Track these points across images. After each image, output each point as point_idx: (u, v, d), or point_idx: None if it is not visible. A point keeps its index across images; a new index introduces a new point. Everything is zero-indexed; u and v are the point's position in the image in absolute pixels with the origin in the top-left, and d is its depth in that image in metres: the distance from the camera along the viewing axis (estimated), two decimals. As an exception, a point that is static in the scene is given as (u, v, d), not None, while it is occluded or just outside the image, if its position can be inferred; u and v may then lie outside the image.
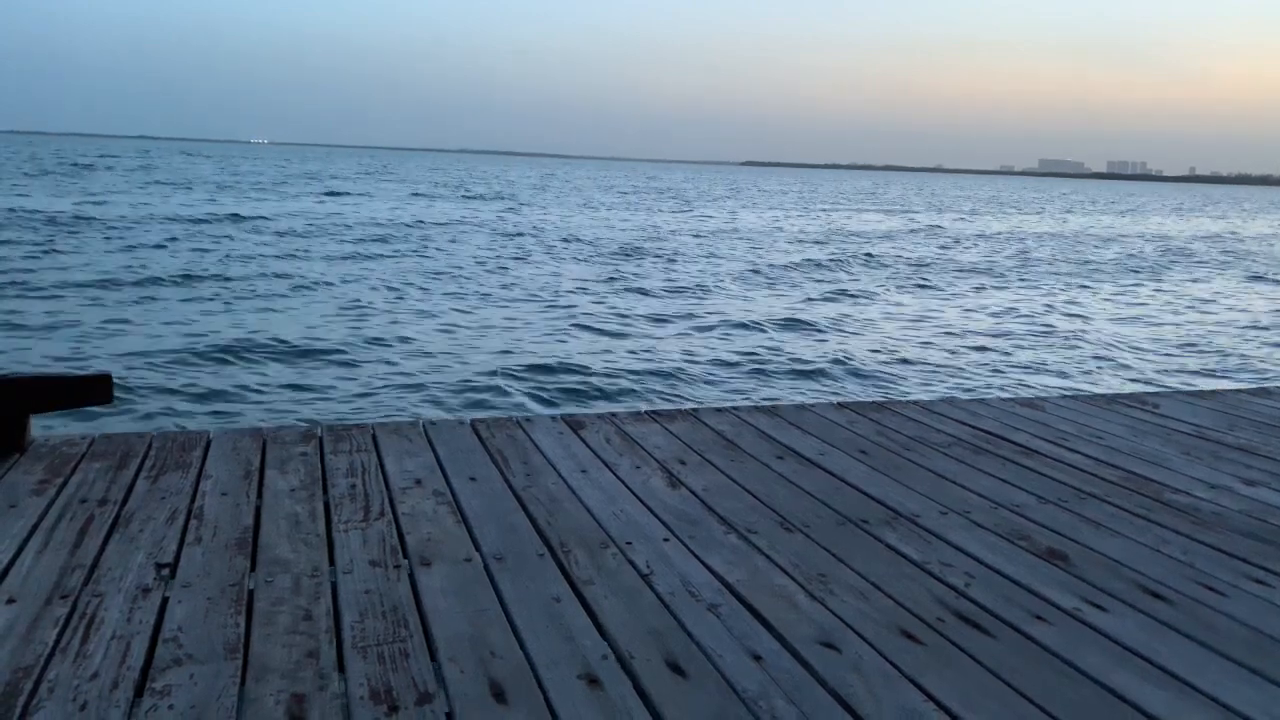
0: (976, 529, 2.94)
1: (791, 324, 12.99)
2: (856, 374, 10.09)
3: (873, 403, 4.67)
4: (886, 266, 21.49)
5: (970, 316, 14.54)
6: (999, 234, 35.14)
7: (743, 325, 12.69)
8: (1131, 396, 5.05)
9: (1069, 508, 3.17)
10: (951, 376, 10.21)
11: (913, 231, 34.43)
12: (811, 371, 10.10)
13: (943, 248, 27.66)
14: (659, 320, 12.85)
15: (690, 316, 13.23)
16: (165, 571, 2.39)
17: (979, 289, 18.18)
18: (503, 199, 45.35)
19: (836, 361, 10.58)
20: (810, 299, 15.63)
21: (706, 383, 9.36)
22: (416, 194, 45.86)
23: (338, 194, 41.98)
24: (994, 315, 14.76)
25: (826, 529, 2.88)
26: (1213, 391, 5.32)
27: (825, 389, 9.44)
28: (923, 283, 18.65)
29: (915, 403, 4.70)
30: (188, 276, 14.67)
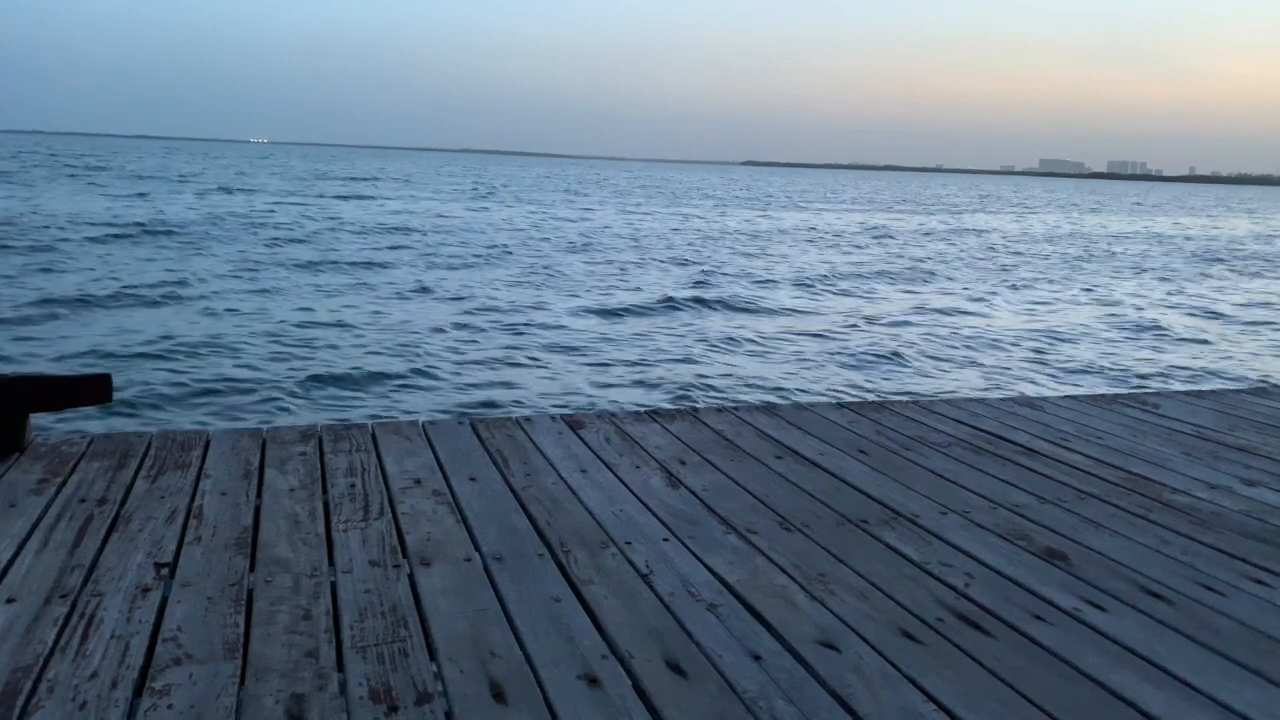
0: (976, 529, 2.94)
1: None
2: None
3: (872, 403, 4.66)
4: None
5: None
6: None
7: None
8: (1131, 397, 5.05)
9: (1069, 508, 3.17)
10: None
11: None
12: None
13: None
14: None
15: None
16: (165, 571, 2.38)
17: None
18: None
19: None
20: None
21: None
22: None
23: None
24: None
25: (826, 529, 2.88)
26: (1213, 391, 5.32)
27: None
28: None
29: (915, 402, 4.70)
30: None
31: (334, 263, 17.44)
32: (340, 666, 1.97)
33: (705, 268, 19.33)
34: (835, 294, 16.76)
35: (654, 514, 2.94)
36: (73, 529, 2.62)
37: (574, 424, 3.95)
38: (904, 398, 7.73)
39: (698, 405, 7.21)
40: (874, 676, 2.03)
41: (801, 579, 2.51)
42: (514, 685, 1.93)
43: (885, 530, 2.90)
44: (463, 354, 10.11)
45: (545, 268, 18.46)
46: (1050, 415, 4.46)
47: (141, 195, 34.20)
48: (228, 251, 18.56)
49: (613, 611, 2.27)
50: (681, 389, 8.97)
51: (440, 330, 11.30)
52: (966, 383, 10.02)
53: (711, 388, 9.13)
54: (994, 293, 17.79)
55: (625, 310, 13.60)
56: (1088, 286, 19.43)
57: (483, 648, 2.07)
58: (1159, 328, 14.20)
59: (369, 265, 17.41)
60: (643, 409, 4.44)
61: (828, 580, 2.51)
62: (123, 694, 1.83)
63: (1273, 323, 15.41)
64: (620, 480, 3.25)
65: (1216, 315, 15.99)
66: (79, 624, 2.09)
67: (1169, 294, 18.84)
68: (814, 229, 34.05)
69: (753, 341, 11.67)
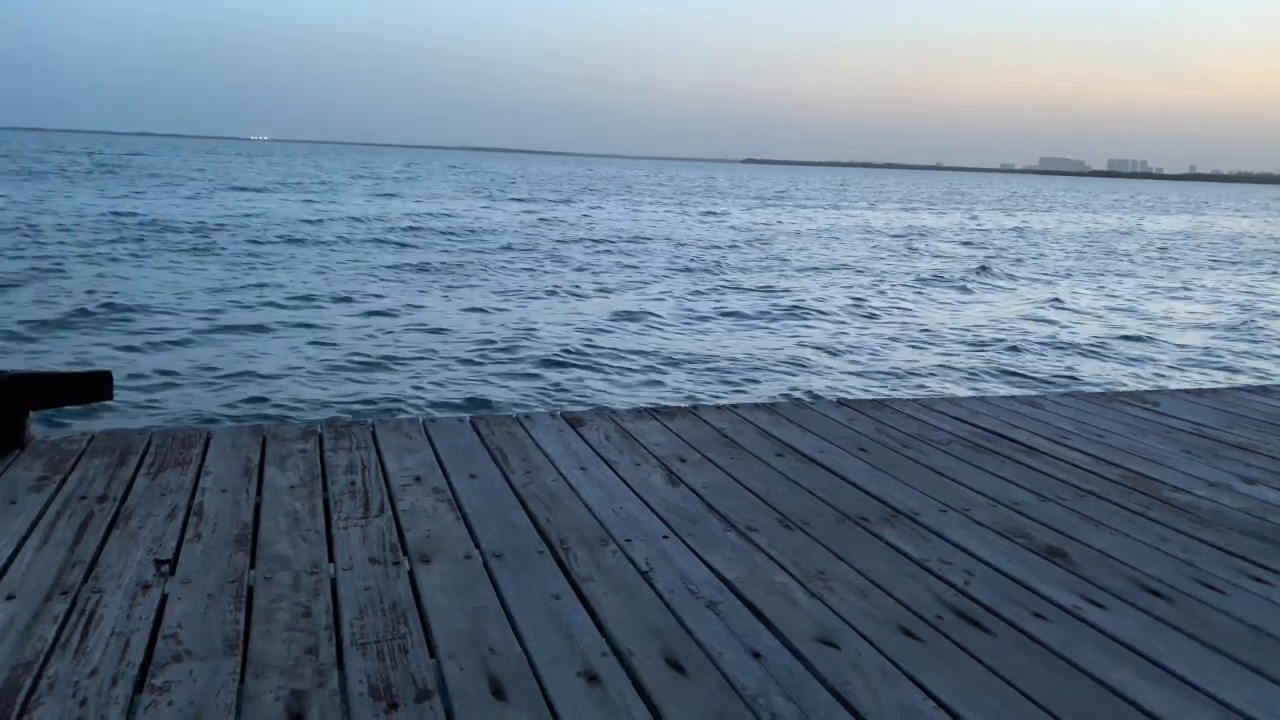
0: (976, 527, 2.94)
1: None
2: None
3: (872, 400, 4.67)
4: None
5: None
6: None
7: None
8: (1131, 394, 5.05)
9: (1069, 505, 3.17)
10: None
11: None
12: None
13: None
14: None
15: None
16: (165, 568, 2.39)
17: None
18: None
19: None
20: None
21: None
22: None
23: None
24: None
25: (826, 526, 2.88)
26: (1212, 390, 5.32)
27: None
28: None
29: (915, 400, 4.70)
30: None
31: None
32: (340, 664, 1.97)
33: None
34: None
35: (654, 511, 2.94)
36: (73, 526, 2.62)
37: (574, 421, 3.95)
38: (908, 395, 7.78)
39: (698, 403, 7.25)
40: (873, 674, 2.03)
41: (801, 576, 2.51)
42: (514, 682, 1.93)
43: (885, 528, 2.90)
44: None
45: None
46: (1050, 413, 4.47)
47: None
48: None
49: (612, 609, 2.27)
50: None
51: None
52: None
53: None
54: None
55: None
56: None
57: (482, 645, 2.07)
58: None
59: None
60: (643, 407, 4.44)
61: (827, 578, 2.51)
62: (123, 691, 1.83)
63: None
64: (620, 478, 3.25)
65: None
66: (79, 621, 2.09)
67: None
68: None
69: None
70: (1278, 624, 2.36)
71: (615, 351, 10.28)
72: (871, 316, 13.64)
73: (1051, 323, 13.75)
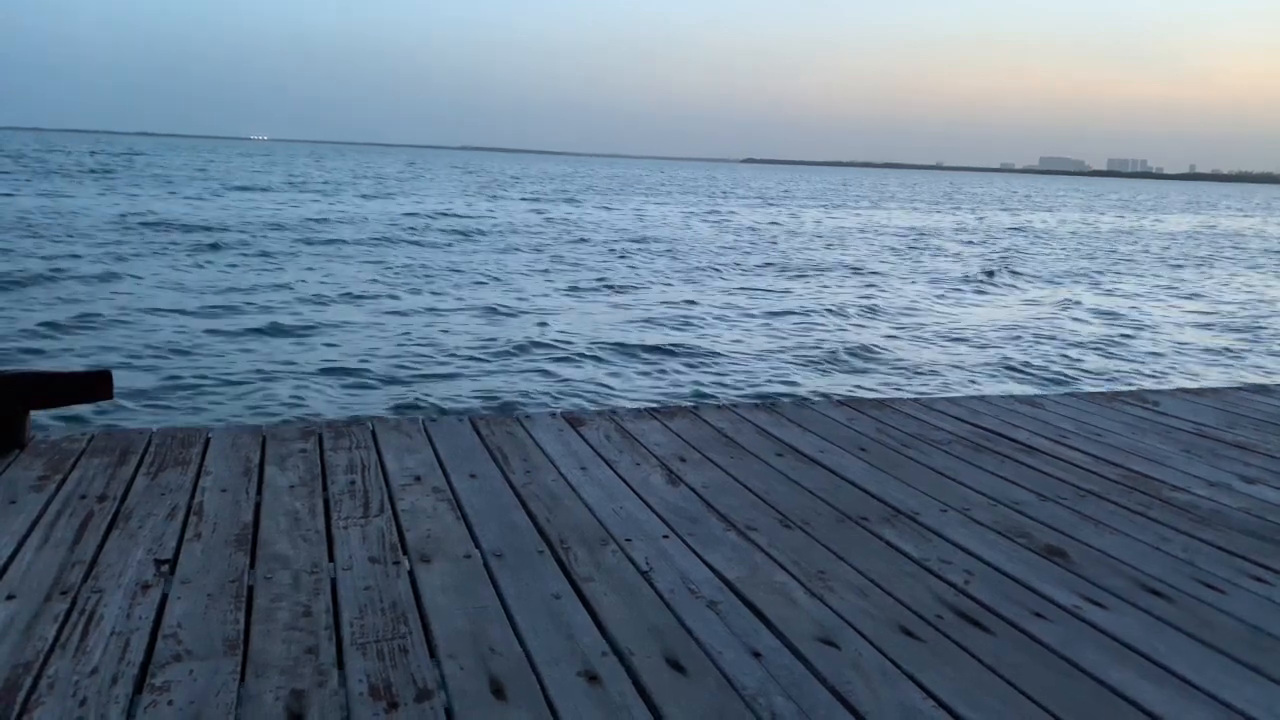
0: (976, 526, 2.94)
1: None
2: None
3: (873, 400, 4.66)
4: None
5: None
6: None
7: None
8: (1131, 394, 5.05)
9: (1069, 505, 3.17)
10: None
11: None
12: None
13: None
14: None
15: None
16: (165, 568, 2.39)
17: None
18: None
19: None
20: None
21: None
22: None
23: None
24: None
25: (826, 526, 2.88)
26: (1212, 389, 5.31)
27: None
28: None
29: (915, 400, 4.70)
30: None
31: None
32: (340, 663, 1.97)
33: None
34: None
35: (654, 511, 2.94)
36: (73, 526, 2.62)
37: (574, 421, 3.95)
38: (908, 395, 7.79)
39: (698, 403, 7.26)
40: (873, 673, 2.03)
41: (801, 576, 2.51)
42: (514, 682, 1.93)
43: (885, 527, 2.90)
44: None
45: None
46: (1050, 413, 4.46)
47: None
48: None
49: (612, 608, 2.27)
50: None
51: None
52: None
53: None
54: None
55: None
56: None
57: (482, 644, 2.07)
58: None
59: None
60: (643, 406, 4.44)
61: (827, 577, 2.51)
62: (123, 690, 1.84)
63: None
64: (620, 477, 3.25)
65: None
66: (79, 620, 2.10)
67: None
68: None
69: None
70: (1278, 624, 2.36)
71: (619, 349, 10.31)
72: (874, 316, 13.64)
73: (1053, 322, 13.79)
